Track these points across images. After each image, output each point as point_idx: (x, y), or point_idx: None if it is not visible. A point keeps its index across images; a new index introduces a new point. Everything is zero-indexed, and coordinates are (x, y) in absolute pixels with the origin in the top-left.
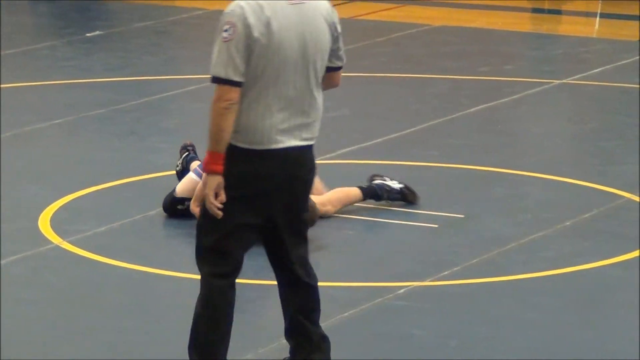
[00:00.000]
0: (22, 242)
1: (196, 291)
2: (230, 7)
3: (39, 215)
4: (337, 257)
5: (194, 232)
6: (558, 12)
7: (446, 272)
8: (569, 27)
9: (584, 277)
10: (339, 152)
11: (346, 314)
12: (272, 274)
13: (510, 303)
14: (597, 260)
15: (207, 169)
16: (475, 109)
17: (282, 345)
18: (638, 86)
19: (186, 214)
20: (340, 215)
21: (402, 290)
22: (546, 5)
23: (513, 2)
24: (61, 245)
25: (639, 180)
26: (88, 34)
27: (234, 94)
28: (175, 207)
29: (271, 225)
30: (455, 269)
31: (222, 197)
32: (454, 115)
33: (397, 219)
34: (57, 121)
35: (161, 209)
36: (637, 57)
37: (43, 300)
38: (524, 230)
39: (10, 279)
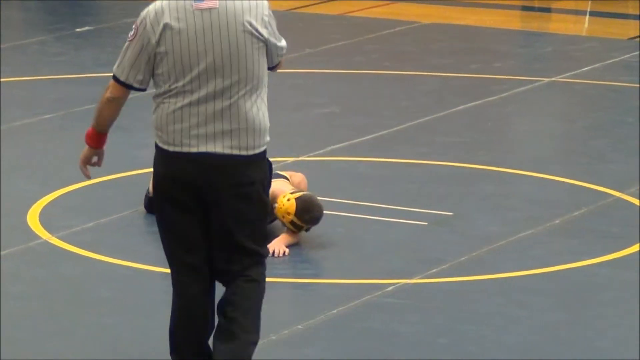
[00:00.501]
0: (11, 237)
1: None
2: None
3: (28, 211)
4: (326, 254)
5: None
6: (548, 10)
7: (435, 270)
8: (558, 25)
9: (572, 275)
10: (328, 148)
11: (335, 311)
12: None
13: (499, 301)
14: (585, 259)
15: (85, 139)
16: (464, 106)
17: (270, 342)
18: (627, 85)
19: None
20: (330, 212)
21: (390, 288)
22: (536, 3)
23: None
24: (50, 241)
25: (627, 179)
26: (78, 29)
27: (117, 91)
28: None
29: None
30: (443, 266)
31: (87, 171)
32: (443, 113)
33: (386, 217)
34: (46, 116)
35: None
36: (627, 56)
37: (31, 295)
38: (512, 228)
39: None
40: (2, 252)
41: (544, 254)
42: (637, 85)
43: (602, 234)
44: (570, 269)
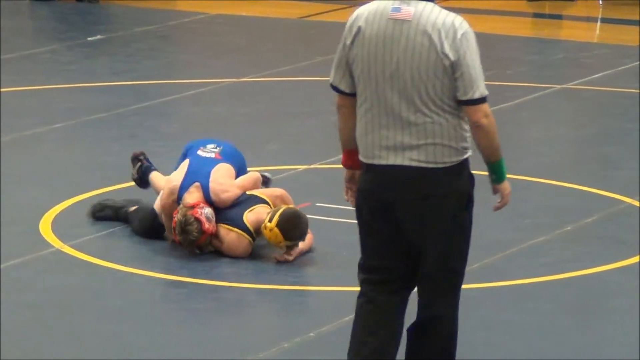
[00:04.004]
0: (23, 245)
1: (196, 294)
2: None
3: (40, 219)
4: (337, 261)
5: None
6: (559, 16)
7: None
8: (569, 31)
9: (583, 282)
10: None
11: (347, 318)
12: (272, 277)
13: (510, 308)
14: (596, 266)
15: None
16: None
17: (283, 350)
18: (639, 91)
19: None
20: (341, 220)
21: None
22: (547, 10)
23: (514, 6)
24: (62, 249)
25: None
26: (89, 38)
27: (338, 99)
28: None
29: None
30: None
31: (352, 191)
32: None
33: None
34: (57, 125)
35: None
36: (638, 63)
37: (43, 304)
38: (524, 235)
39: (11, 282)
40: (15, 261)
41: (555, 260)
42: None
43: (613, 240)
44: (581, 275)
